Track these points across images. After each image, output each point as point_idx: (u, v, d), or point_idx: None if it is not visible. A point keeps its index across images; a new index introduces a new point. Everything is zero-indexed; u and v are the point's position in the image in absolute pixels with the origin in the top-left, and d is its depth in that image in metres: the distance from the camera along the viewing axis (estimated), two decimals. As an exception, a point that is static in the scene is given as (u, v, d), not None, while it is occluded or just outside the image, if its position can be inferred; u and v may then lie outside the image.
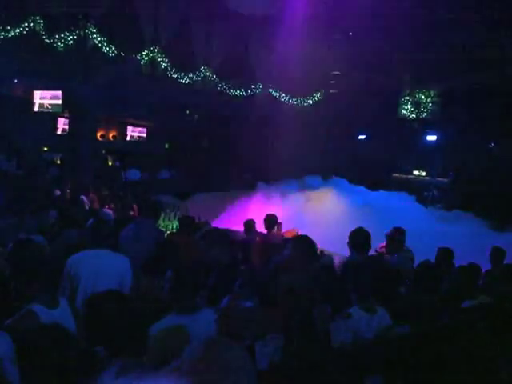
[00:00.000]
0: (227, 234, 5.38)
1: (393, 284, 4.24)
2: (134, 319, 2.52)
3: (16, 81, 16.48)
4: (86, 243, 4.51)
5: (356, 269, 4.02)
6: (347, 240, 5.18)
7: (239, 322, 3.10)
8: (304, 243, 4.76)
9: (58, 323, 2.44)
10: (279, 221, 8.73)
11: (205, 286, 4.11)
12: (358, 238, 5.07)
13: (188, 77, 19.85)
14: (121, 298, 2.72)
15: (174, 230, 9.66)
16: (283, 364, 3.05)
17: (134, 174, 19.40)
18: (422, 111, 22.90)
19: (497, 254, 7.02)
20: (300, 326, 4.05)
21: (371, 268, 4.03)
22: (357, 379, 3.33)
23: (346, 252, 5.37)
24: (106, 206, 10.80)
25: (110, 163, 21.11)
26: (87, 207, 11.70)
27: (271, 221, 7.89)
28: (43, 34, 15.98)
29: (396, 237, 6.68)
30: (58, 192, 12.77)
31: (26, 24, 15.90)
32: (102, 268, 4.22)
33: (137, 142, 23.19)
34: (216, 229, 7.67)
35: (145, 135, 23.54)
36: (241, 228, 8.11)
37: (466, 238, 11.29)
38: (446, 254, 6.65)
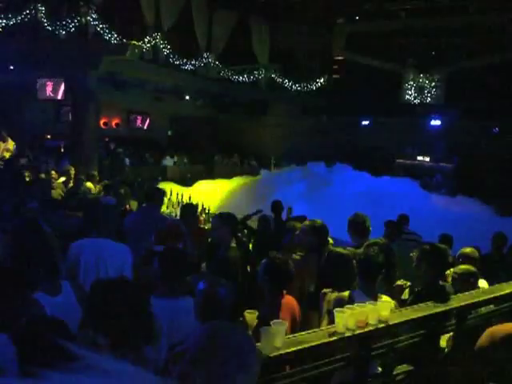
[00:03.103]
0: (234, 215, 5.38)
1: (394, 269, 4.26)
2: (139, 308, 2.49)
3: (18, 69, 16.44)
4: (88, 230, 4.48)
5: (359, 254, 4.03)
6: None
7: None
8: (321, 229, 4.79)
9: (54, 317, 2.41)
10: (289, 206, 8.82)
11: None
12: (357, 224, 5.08)
13: (190, 63, 19.77)
14: (127, 285, 2.70)
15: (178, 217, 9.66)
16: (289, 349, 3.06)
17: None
18: (426, 96, 22.80)
19: (498, 239, 7.05)
20: (305, 310, 4.08)
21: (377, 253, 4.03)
22: (360, 362, 3.36)
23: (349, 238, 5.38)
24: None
25: (112, 150, 21.09)
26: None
27: (278, 206, 7.96)
28: (45, 22, 15.89)
29: (393, 224, 6.73)
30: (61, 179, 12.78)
31: (28, 11, 15.83)
32: (102, 257, 4.20)
33: (140, 129, 23.19)
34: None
35: (147, 122, 23.53)
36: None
37: (469, 223, 11.30)
38: (447, 241, 6.70)
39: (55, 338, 1.63)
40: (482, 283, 4.87)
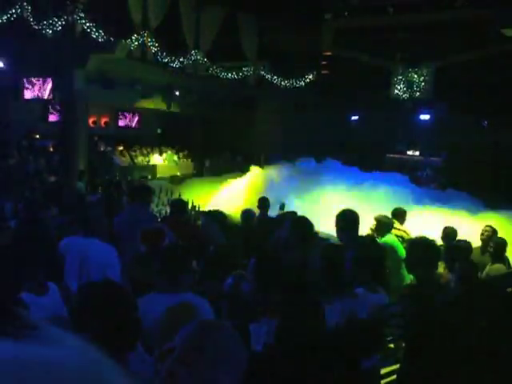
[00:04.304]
0: (224, 215, 5.38)
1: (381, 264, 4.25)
2: (124, 313, 2.46)
3: (4, 68, 16.32)
4: (74, 229, 4.46)
5: (357, 250, 4.02)
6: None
7: None
8: (302, 224, 4.76)
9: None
10: (282, 202, 8.83)
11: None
12: (345, 219, 5.04)
13: (179, 61, 19.69)
14: (113, 289, 2.67)
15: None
16: (277, 345, 3.04)
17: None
18: (415, 91, 22.83)
19: (487, 231, 7.09)
20: (296, 306, 4.05)
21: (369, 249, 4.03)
22: (351, 360, 3.34)
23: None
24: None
25: (102, 149, 21.02)
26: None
27: (264, 203, 7.96)
28: (31, 21, 15.77)
29: (383, 219, 6.74)
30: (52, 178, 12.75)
31: (14, 10, 15.70)
32: (86, 257, 4.17)
33: (129, 128, 23.10)
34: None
35: (136, 121, 23.44)
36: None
37: (460, 217, 11.30)
38: (451, 233, 6.75)
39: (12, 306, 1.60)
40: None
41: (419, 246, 4.20)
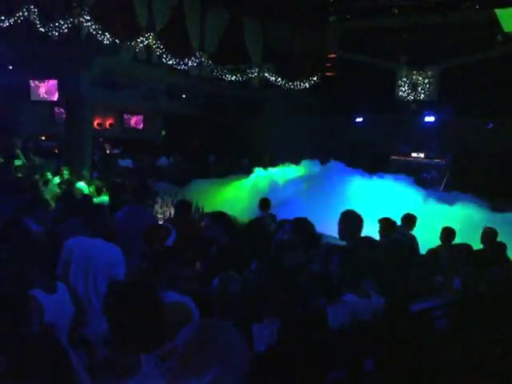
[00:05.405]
0: (228, 215, 5.39)
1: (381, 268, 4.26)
2: (152, 310, 2.43)
3: (11, 70, 16.42)
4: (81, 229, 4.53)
5: (346, 254, 4.02)
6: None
7: None
8: (303, 226, 4.77)
9: None
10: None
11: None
12: (348, 220, 5.05)
13: (183, 63, 19.76)
14: (141, 287, 2.65)
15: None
16: (280, 346, 3.07)
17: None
18: (420, 93, 22.81)
19: (488, 234, 7.09)
20: (297, 308, 4.09)
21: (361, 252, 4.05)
22: (354, 359, 3.37)
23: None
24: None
25: (107, 151, 21.10)
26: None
27: (265, 204, 8.01)
28: (37, 23, 15.88)
29: (386, 222, 6.76)
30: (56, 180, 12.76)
31: (20, 13, 15.81)
32: (92, 256, 4.25)
33: (133, 130, 23.18)
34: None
35: (141, 122, 23.51)
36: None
37: (465, 219, 11.30)
38: (449, 234, 6.76)
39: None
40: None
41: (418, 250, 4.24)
